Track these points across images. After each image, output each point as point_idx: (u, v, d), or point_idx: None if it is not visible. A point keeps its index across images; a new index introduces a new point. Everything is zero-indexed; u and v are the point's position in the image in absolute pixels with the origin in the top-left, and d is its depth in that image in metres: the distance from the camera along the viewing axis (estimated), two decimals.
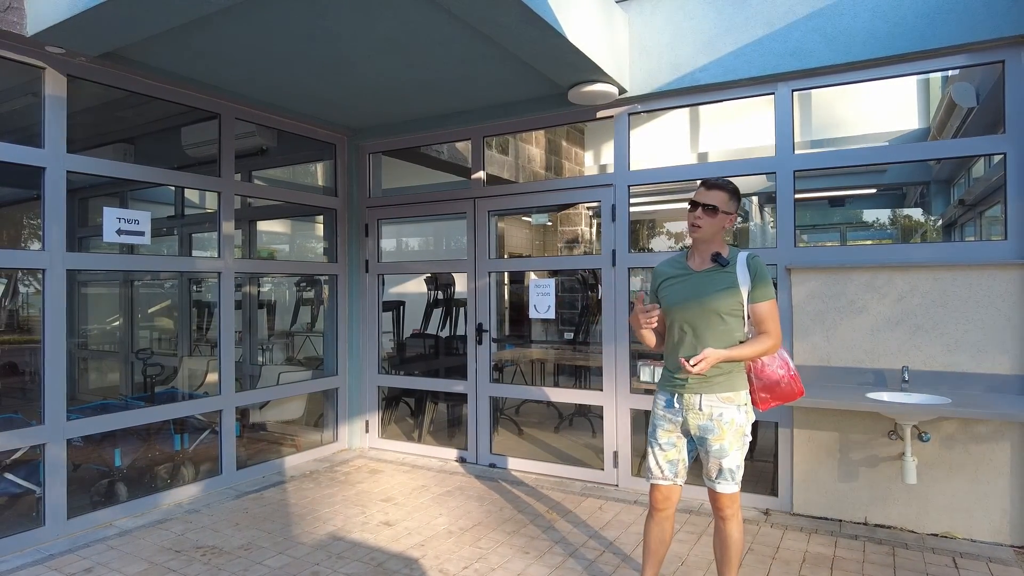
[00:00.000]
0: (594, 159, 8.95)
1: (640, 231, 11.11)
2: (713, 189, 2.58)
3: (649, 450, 2.73)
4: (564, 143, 8.74)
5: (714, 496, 2.67)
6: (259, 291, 7.49)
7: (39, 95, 3.77)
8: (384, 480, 4.84)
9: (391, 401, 6.10)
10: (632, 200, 4.62)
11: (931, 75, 6.39)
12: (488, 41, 3.71)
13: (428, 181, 6.84)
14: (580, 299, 8.73)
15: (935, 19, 3.59)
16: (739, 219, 10.77)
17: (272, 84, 4.53)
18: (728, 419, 2.58)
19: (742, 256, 2.62)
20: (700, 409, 2.58)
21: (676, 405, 2.64)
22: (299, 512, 4.17)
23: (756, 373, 2.69)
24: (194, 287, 7.21)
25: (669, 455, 2.69)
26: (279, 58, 4.04)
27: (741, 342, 2.60)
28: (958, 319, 3.64)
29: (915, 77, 6.52)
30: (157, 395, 5.37)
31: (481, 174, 5.16)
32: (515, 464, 5.03)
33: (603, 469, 4.69)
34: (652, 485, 2.75)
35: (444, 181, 6.76)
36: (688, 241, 2.86)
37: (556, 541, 3.67)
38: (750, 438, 2.66)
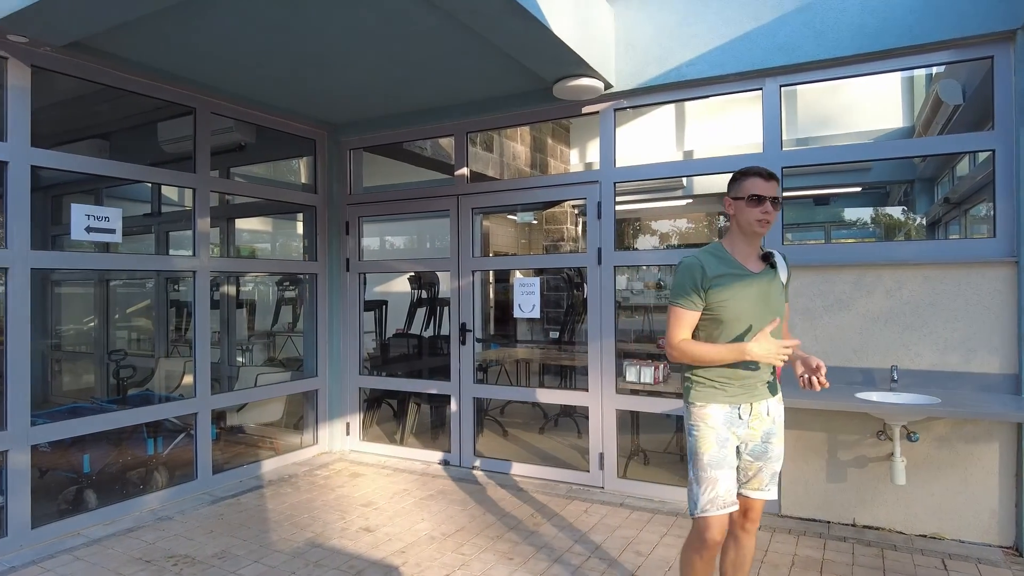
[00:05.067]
0: (579, 157, 8.88)
1: (626, 230, 11.06)
2: (772, 180, 2.36)
3: (717, 474, 2.34)
4: (550, 140, 8.65)
5: (754, 506, 2.49)
6: (239, 290, 7.34)
7: (1, 86, 3.62)
8: (365, 484, 4.73)
9: (373, 402, 5.98)
10: (618, 198, 4.55)
11: (915, 74, 6.40)
12: (471, 33, 3.61)
13: (412, 178, 6.73)
14: (566, 298, 8.66)
15: (924, 14, 3.55)
16: (723, 218, 10.76)
17: (249, 78, 4.40)
18: (782, 416, 2.52)
19: (778, 252, 2.51)
20: (767, 414, 2.44)
21: (742, 417, 2.39)
22: (276, 518, 4.05)
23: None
24: (172, 286, 7.05)
25: (733, 472, 2.41)
26: (256, 51, 3.92)
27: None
28: (947, 318, 3.60)
29: (900, 76, 6.53)
30: (130, 397, 5.21)
31: (465, 171, 5.06)
32: (500, 466, 4.94)
33: (588, 471, 4.61)
34: (715, 518, 2.34)
35: (428, 178, 6.65)
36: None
37: (541, 546, 3.58)
38: None
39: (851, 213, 9.62)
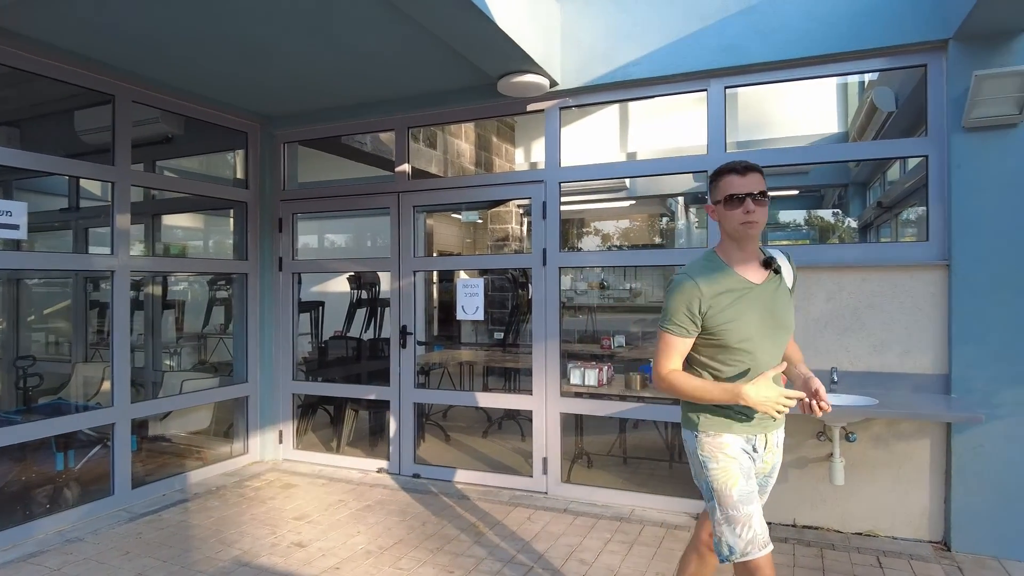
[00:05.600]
0: (525, 156, 8.81)
1: (570, 230, 11.06)
2: (752, 172, 2.05)
3: (750, 510, 2.04)
4: (495, 139, 8.54)
5: None
6: (167, 290, 6.93)
7: None
8: (298, 495, 4.49)
9: (308, 409, 5.71)
10: (562, 199, 4.47)
11: (849, 81, 6.59)
12: (413, 23, 3.45)
13: (352, 174, 6.49)
14: (511, 298, 8.56)
15: (864, 21, 3.59)
16: (665, 220, 10.86)
17: (175, 64, 4.11)
18: (782, 442, 2.29)
19: (780, 254, 2.18)
20: (777, 446, 2.22)
21: (757, 450, 2.14)
22: (201, 535, 3.79)
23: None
24: (93, 286, 6.59)
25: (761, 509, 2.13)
26: (181, 35, 3.65)
27: None
28: (884, 320, 3.66)
29: (835, 83, 6.71)
30: (38, 408, 4.81)
31: (405, 167, 4.88)
32: (440, 473, 4.79)
33: (532, 476, 4.51)
34: (762, 558, 2.03)
35: (369, 175, 6.43)
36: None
37: (482, 558, 3.45)
38: None
39: (787, 215, 9.88)
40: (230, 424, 5.51)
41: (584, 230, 11.40)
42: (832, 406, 3.35)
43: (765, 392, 1.95)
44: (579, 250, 10.32)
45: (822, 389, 2.01)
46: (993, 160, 3.41)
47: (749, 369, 2.07)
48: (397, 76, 4.34)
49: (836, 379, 3.62)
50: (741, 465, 2.08)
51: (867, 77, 5.93)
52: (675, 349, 2.09)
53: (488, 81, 4.23)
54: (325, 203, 5.31)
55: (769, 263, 2.11)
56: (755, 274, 2.10)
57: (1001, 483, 3.41)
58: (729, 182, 2.05)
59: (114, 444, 4.25)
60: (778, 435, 2.22)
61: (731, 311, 2.03)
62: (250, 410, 5.32)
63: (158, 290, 6.29)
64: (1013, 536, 3.40)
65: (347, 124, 5.10)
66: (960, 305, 3.48)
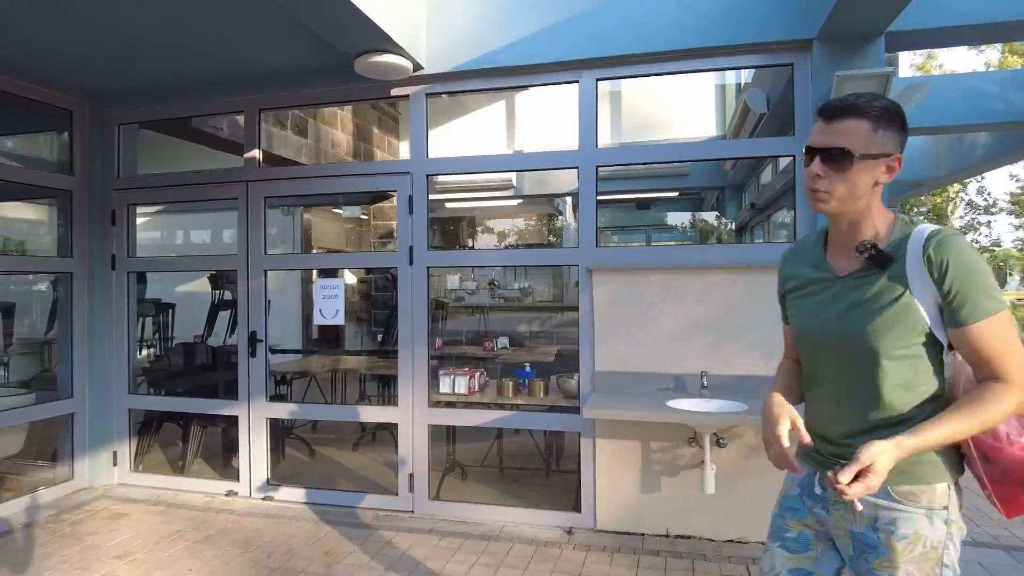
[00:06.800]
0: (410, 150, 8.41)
1: (461, 229, 10.76)
2: (840, 118, 1.41)
3: (769, 545, 1.66)
4: (376, 130, 8.08)
5: None
6: None
7: None
8: (127, 528, 3.90)
9: (149, 425, 5.05)
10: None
11: (727, 83, 6.69)
12: None
13: (213, 165, 5.85)
14: (393, 298, 8.14)
15: (735, 16, 3.51)
16: (560, 219, 10.81)
17: None
18: (907, 533, 1.40)
19: (916, 238, 1.39)
20: (848, 509, 1.48)
21: (818, 490, 1.56)
22: None
23: (992, 454, 1.40)
24: None
25: (798, 561, 1.58)
26: None
27: (935, 397, 1.42)
28: (749, 321, 3.60)
29: (714, 86, 6.80)
30: None
31: (255, 153, 4.38)
32: (297, 495, 4.32)
33: (397, 494, 4.16)
34: None
35: (233, 165, 5.82)
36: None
37: None
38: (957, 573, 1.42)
39: (671, 218, 10.08)
40: (56, 446, 4.77)
41: (475, 228, 11.14)
42: (697, 413, 3.24)
43: (767, 409, 1.53)
44: (463, 247, 10.05)
45: (852, 469, 1.29)
46: None
47: (812, 384, 1.62)
48: (243, 52, 3.85)
49: (706, 384, 3.52)
50: (789, 497, 1.65)
51: (744, 79, 6.03)
52: (785, 336, 1.76)
53: (345, 61, 3.82)
54: (166, 193, 4.69)
55: (864, 248, 1.43)
56: (844, 261, 1.50)
57: None
58: (814, 132, 1.48)
59: None
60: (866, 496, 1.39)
61: (799, 302, 1.60)
62: (76, 429, 4.62)
63: None
64: None
65: (192, 105, 4.52)
66: None
